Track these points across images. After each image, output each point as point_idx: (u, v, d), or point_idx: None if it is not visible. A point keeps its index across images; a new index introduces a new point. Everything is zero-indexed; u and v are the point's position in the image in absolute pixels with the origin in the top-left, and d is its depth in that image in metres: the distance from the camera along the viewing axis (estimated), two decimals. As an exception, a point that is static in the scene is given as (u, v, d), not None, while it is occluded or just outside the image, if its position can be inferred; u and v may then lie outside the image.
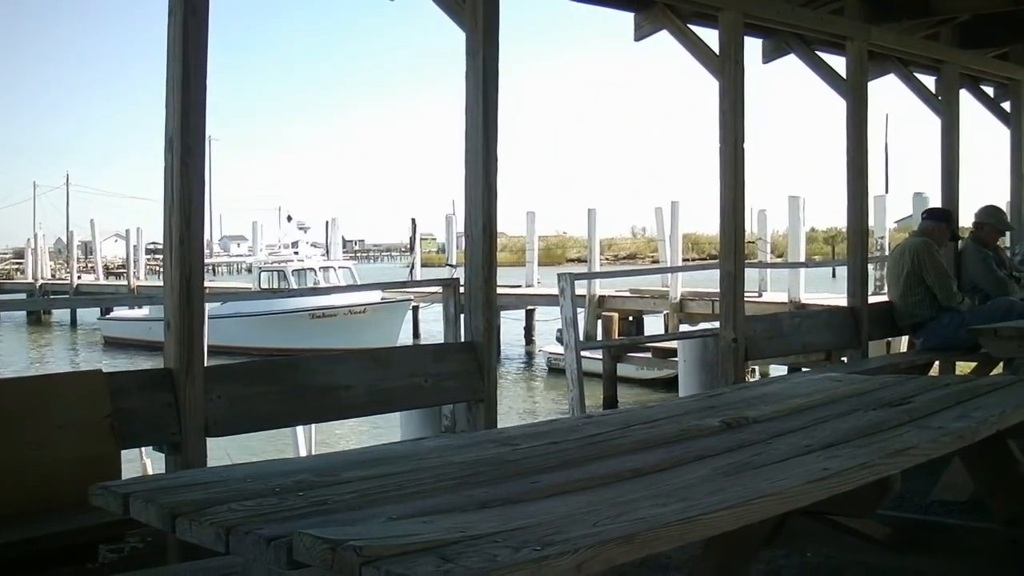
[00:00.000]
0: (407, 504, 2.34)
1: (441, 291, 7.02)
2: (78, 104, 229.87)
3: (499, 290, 6.38)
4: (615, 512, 2.23)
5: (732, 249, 7.85)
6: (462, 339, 6.40)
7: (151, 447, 5.70)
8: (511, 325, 33.39)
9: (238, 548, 2.10)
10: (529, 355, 33.11)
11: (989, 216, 9.67)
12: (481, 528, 2.08)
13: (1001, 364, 8.26)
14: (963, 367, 9.38)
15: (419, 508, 2.29)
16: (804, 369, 13.93)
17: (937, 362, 9.16)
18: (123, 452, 4.79)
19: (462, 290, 6.48)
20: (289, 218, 40.90)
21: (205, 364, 5.14)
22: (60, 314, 48.71)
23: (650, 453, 2.97)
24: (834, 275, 31.04)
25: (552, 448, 3.02)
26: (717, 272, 8.15)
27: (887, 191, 40.36)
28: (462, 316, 6.42)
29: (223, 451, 7.98)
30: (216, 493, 2.40)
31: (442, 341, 6.85)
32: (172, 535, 2.27)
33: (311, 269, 35.61)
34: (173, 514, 2.25)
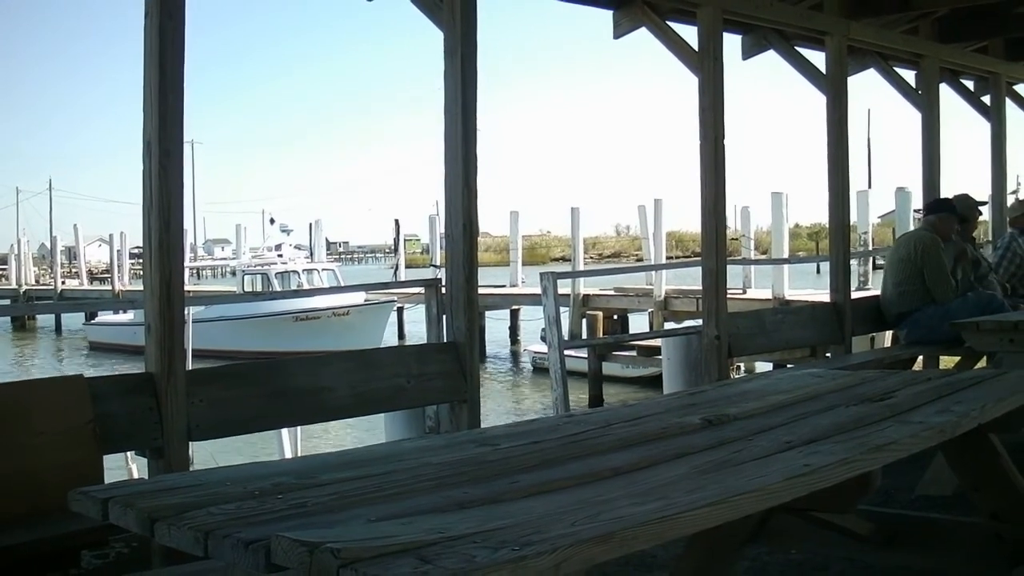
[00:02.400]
0: (386, 506, 2.32)
1: (424, 292, 7.02)
2: (61, 108, 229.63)
3: (483, 290, 6.38)
4: (594, 511, 2.22)
5: (714, 246, 7.85)
6: (444, 339, 6.40)
7: (135, 452, 5.70)
8: (496, 325, 33.43)
9: (217, 552, 2.08)
10: (514, 355, 33.14)
11: (963, 208, 9.50)
12: (460, 529, 2.07)
13: (985, 358, 8.27)
14: (947, 361, 9.38)
15: (398, 509, 2.28)
16: (789, 365, 13.99)
17: (921, 357, 9.16)
18: (110, 458, 4.79)
19: (444, 290, 6.46)
20: (272, 221, 40.75)
21: (188, 368, 5.13)
22: (45, 320, 48.60)
23: (630, 451, 2.96)
24: (818, 271, 31.20)
25: (532, 448, 3.00)
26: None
27: (870, 186, 40.64)
28: (444, 317, 6.41)
29: (209, 455, 8.01)
30: (195, 497, 2.38)
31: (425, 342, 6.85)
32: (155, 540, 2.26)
33: (294, 272, 35.58)
34: (152, 518, 2.23)
